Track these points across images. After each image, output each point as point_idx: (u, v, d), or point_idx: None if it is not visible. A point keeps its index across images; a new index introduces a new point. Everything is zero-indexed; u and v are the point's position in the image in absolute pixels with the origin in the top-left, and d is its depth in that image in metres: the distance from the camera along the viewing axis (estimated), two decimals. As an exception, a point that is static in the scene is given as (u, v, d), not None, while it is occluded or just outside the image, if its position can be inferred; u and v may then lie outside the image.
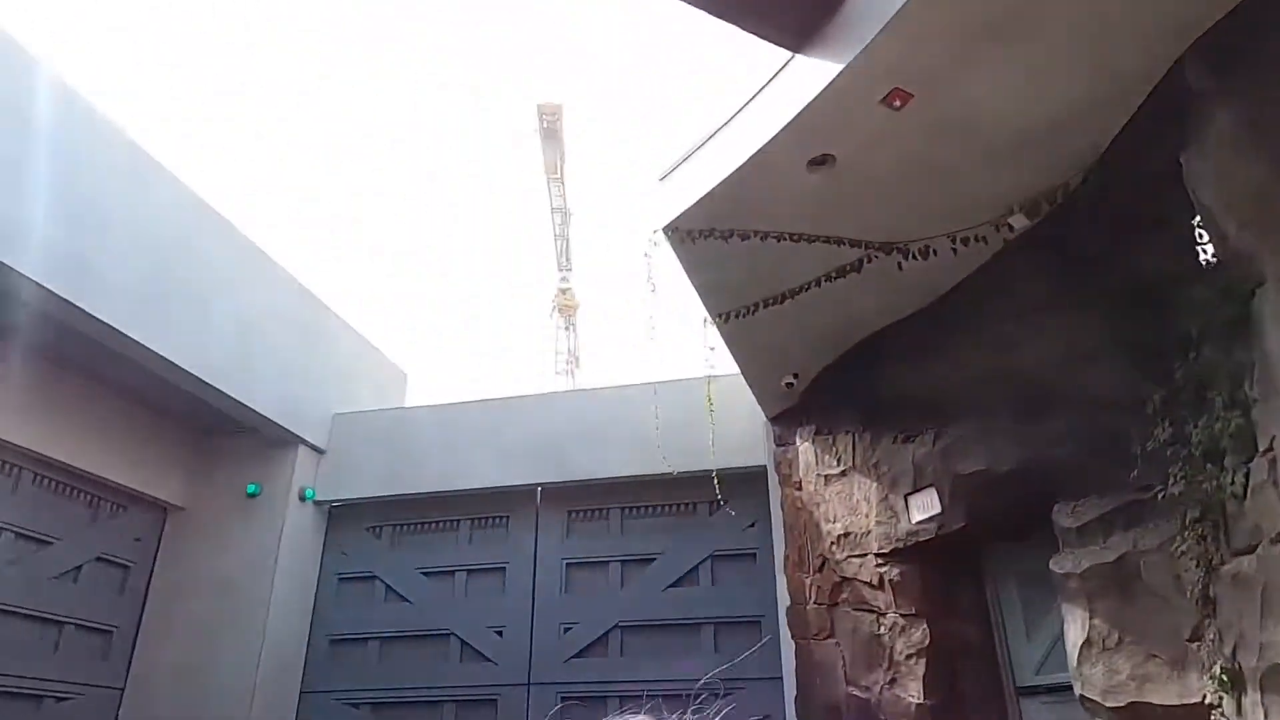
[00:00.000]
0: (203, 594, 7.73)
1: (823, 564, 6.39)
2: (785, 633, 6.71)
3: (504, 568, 8.03)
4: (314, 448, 8.44)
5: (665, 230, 5.03)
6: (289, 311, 8.38)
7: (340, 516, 8.58)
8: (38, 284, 5.58)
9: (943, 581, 5.65)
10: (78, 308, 5.85)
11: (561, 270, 42.71)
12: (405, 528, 8.42)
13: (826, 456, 6.54)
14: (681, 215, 4.90)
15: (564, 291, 42.62)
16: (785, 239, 4.98)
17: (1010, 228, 4.80)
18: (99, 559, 7.45)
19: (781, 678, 6.72)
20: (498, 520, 8.25)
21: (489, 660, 7.67)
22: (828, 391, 6.64)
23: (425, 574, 8.17)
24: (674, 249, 5.16)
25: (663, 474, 7.57)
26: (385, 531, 8.46)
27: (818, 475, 6.58)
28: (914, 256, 5.03)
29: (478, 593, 8.03)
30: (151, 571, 7.94)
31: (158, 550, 8.03)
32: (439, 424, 8.61)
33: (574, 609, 7.70)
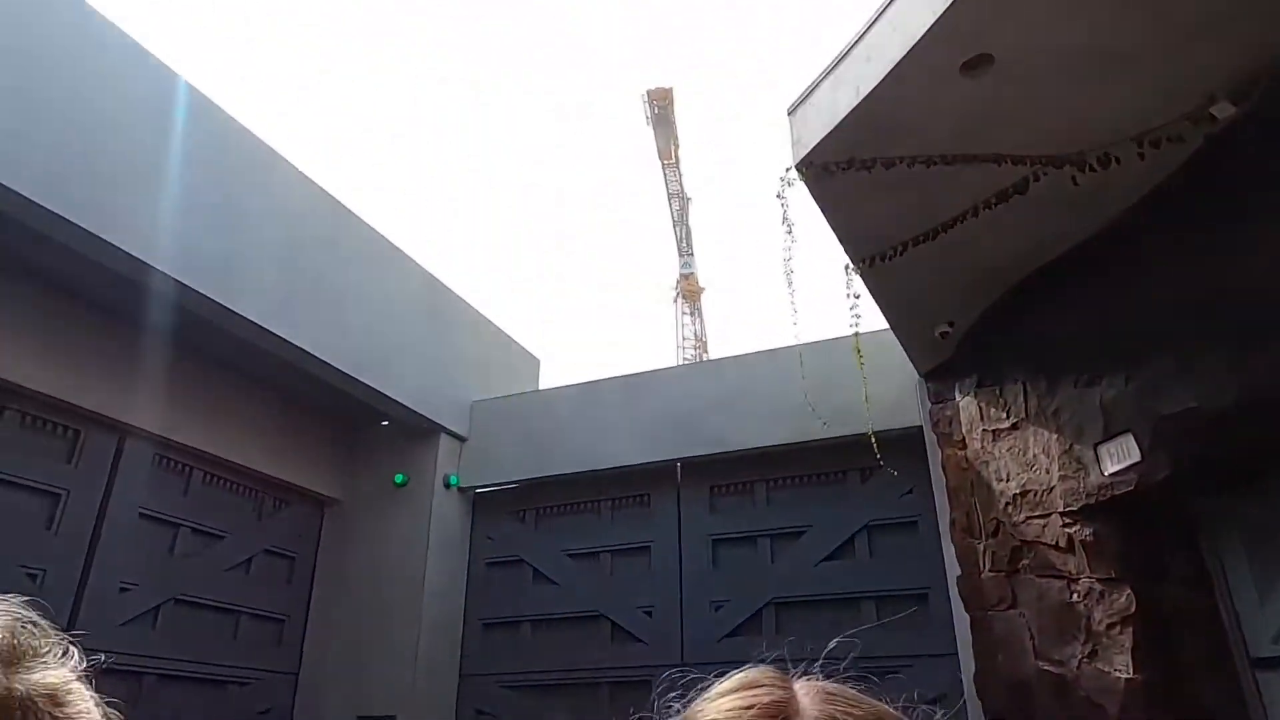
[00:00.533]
0: (362, 582, 7.98)
1: (997, 528, 5.78)
2: (957, 605, 6.16)
3: (649, 546, 7.84)
4: (455, 435, 8.54)
5: (799, 167, 4.58)
6: (422, 302, 8.51)
7: (484, 502, 8.65)
8: (188, 286, 5.81)
9: (1146, 539, 4.94)
10: (225, 307, 6.06)
11: (683, 256, 42.58)
12: (548, 510, 8.39)
13: (993, 410, 5.92)
14: (816, 148, 4.44)
15: (686, 277, 42.48)
16: (936, 163, 4.42)
17: (1213, 119, 4.04)
18: (266, 551, 7.79)
19: (955, 653, 6.18)
20: (639, 499, 8.07)
21: (640, 641, 7.50)
22: (990, 338, 6.00)
23: (571, 556, 8.10)
24: (809, 188, 4.70)
25: (807, 441, 7.16)
26: (529, 515, 8.46)
27: (984, 431, 5.97)
28: (1091, 168, 4.33)
29: (624, 573, 7.88)
30: (315, 562, 8.26)
31: (319, 542, 8.36)
32: (574, 405, 8.51)
33: (723, 587, 7.40)
